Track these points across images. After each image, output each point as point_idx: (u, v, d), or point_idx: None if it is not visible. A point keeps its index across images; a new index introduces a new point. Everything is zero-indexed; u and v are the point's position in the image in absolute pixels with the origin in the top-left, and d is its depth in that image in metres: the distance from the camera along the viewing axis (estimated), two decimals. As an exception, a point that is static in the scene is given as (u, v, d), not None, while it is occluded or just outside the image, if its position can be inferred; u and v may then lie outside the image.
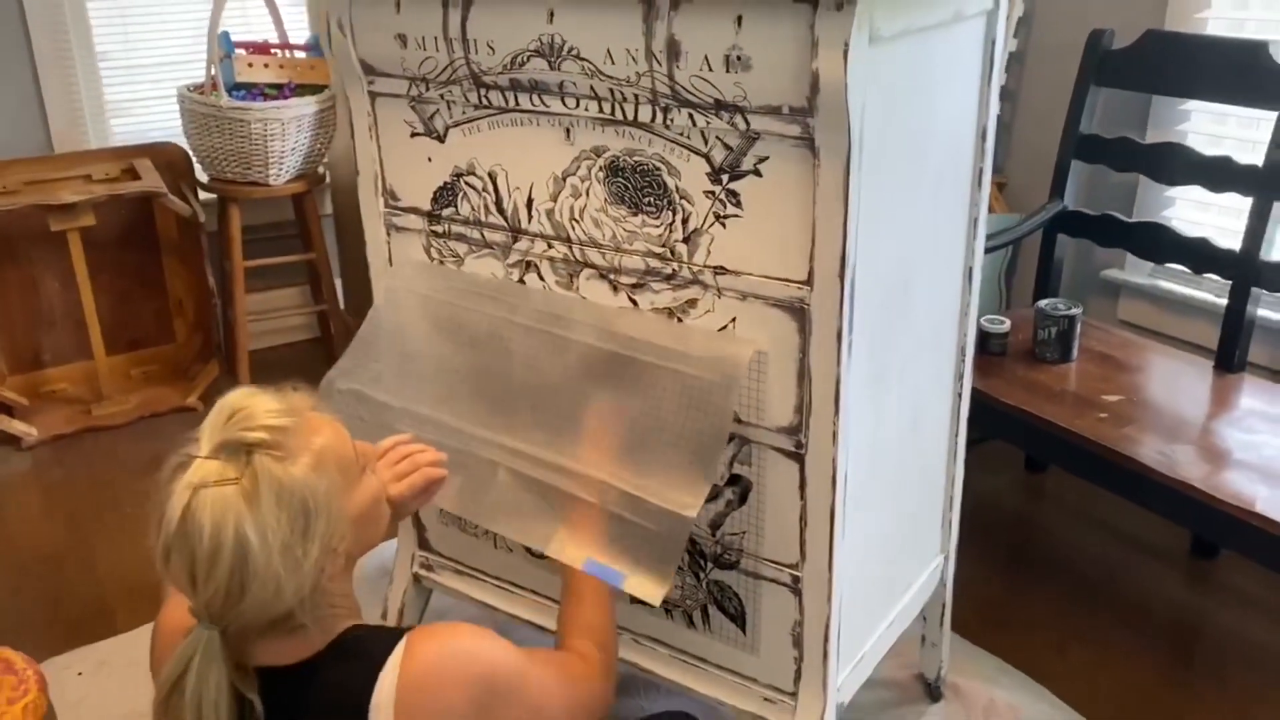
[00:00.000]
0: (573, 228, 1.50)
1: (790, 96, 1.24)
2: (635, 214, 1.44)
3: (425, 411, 1.63)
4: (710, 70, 1.28)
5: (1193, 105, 2.35)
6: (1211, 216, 2.39)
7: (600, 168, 1.44)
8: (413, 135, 1.63)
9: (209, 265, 3.13)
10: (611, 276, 1.49)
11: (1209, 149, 2.21)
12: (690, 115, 1.33)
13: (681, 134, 1.36)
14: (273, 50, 2.95)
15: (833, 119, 1.22)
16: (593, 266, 1.50)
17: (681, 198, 1.39)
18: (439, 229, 1.65)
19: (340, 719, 1.06)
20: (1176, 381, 2.18)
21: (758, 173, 1.32)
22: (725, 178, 1.34)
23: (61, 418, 3.00)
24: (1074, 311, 2.21)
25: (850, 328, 1.32)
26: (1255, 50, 2.07)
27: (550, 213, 1.52)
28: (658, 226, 1.42)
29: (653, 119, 1.37)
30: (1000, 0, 1.53)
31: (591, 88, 1.39)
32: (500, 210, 1.57)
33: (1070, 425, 1.99)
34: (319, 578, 1.05)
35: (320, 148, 2.99)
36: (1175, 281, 2.45)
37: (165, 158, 3.01)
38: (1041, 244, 2.46)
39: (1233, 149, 2.23)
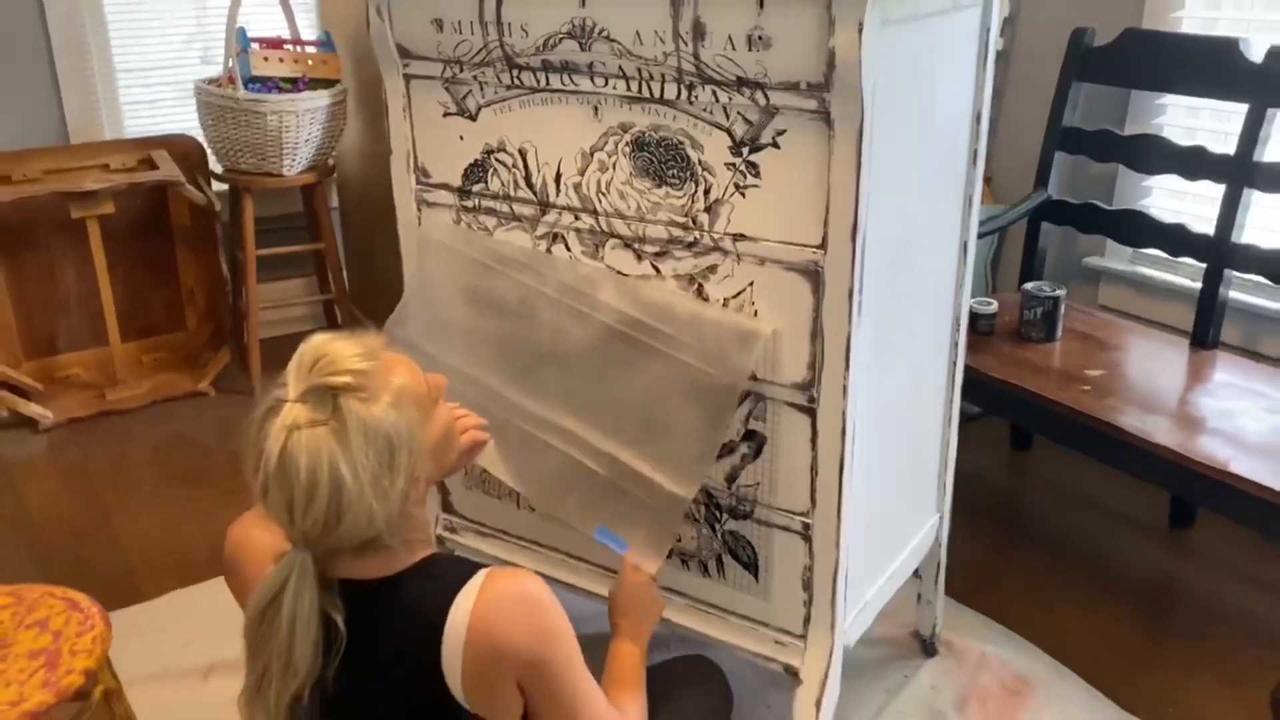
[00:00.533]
0: (599, 200, 1.61)
1: (808, 73, 1.36)
2: (659, 186, 1.55)
3: (464, 369, 1.74)
4: (733, 49, 1.40)
5: (1169, 99, 2.49)
6: (1186, 204, 2.52)
7: (626, 143, 1.56)
8: (445, 115, 1.74)
9: (223, 254, 3.22)
10: (636, 246, 1.60)
11: (1184, 140, 2.35)
12: (714, 92, 1.45)
13: (705, 110, 1.47)
14: (286, 46, 3.04)
15: (847, 93, 1.34)
16: (618, 236, 1.61)
17: (704, 170, 1.50)
18: (469, 204, 1.76)
19: (415, 634, 1.15)
20: (1154, 358, 2.31)
21: (776, 145, 1.43)
22: (746, 150, 1.46)
23: (76, 402, 3.08)
24: (1058, 293, 2.34)
25: (860, 288, 1.43)
26: (1228, 47, 2.20)
27: (578, 186, 1.63)
28: (681, 197, 1.53)
29: (678, 96, 1.48)
30: (995, -10, 1.65)
31: (620, 67, 1.51)
32: (529, 185, 1.68)
33: (1056, 397, 2.11)
34: (404, 504, 1.14)
35: (331, 140, 3.09)
36: (1153, 267, 2.58)
37: (181, 149, 3.10)
38: (1026, 232, 2.59)
39: (1206, 140, 2.37)
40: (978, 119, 1.72)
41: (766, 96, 1.41)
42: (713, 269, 1.54)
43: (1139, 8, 2.49)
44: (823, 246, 1.43)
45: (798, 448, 1.55)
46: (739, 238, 1.50)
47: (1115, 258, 2.66)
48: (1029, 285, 2.39)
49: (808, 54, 1.34)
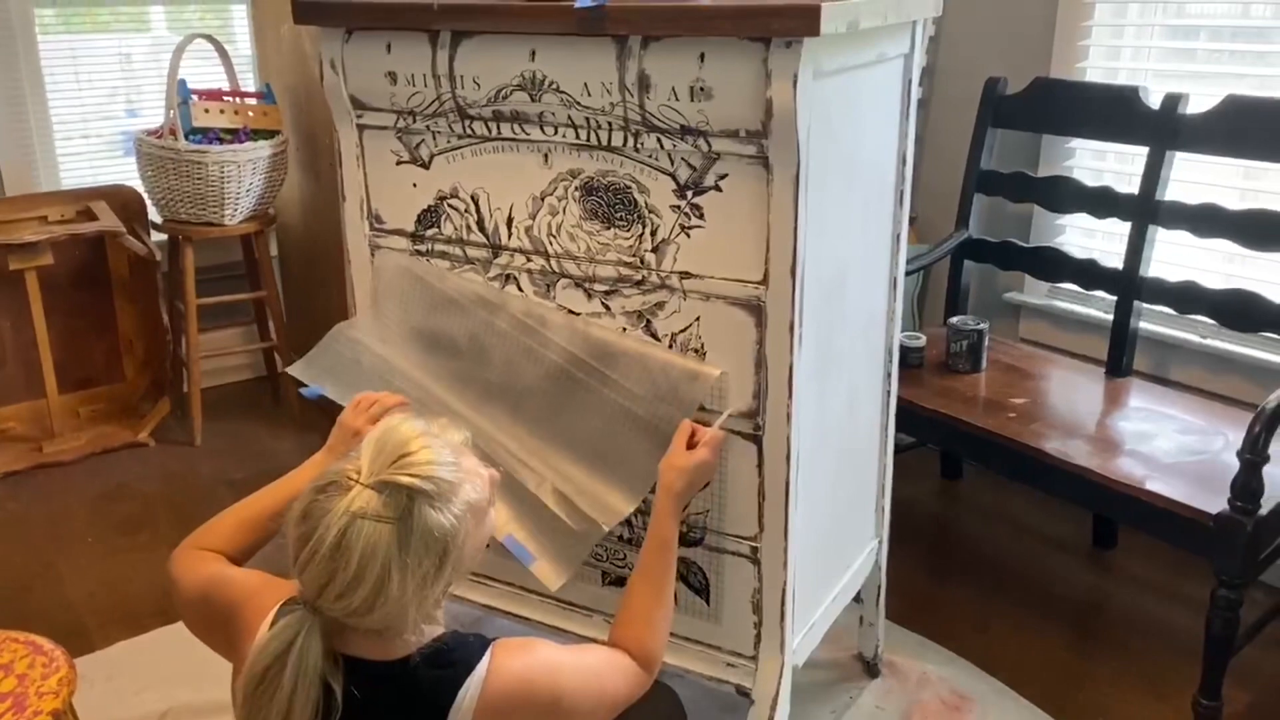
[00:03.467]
0: (550, 242, 1.69)
1: (747, 121, 1.45)
2: (608, 228, 1.63)
3: (411, 372, 1.80)
4: (677, 100, 1.49)
5: (1077, 143, 2.65)
6: (1097, 241, 2.68)
7: (576, 187, 1.64)
8: (399, 163, 1.80)
9: (163, 304, 3.22)
10: (586, 285, 1.67)
11: (1092, 181, 2.50)
12: (659, 139, 1.53)
13: (650, 156, 1.56)
14: (226, 97, 3.08)
15: (784, 139, 1.43)
16: (569, 276, 1.68)
17: (650, 212, 1.58)
18: (423, 248, 1.82)
19: (420, 717, 1.17)
20: (1073, 386, 2.45)
21: (718, 188, 1.52)
22: (690, 193, 1.55)
23: (12, 455, 3.04)
24: (982, 326, 2.46)
25: (800, 321, 1.52)
26: (1129, 95, 2.37)
27: (529, 229, 1.70)
28: (628, 238, 1.61)
29: (625, 143, 1.57)
30: (915, 45, 1.78)
31: (569, 117, 1.59)
32: (482, 229, 1.75)
33: (985, 425, 2.22)
34: (437, 603, 1.19)
35: (272, 190, 3.13)
36: (1068, 300, 2.73)
37: (119, 199, 3.11)
38: (950, 269, 2.73)
39: (1112, 180, 2.52)
40: (903, 161, 1.84)
41: (709, 143, 1.50)
42: (660, 305, 1.62)
43: (1047, 58, 2.65)
44: (764, 282, 1.52)
45: (745, 474, 1.63)
46: (685, 275, 1.58)
47: (1033, 292, 2.81)
48: (954, 320, 2.51)
49: (746, 104, 1.44)
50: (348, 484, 1.15)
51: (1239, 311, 2.23)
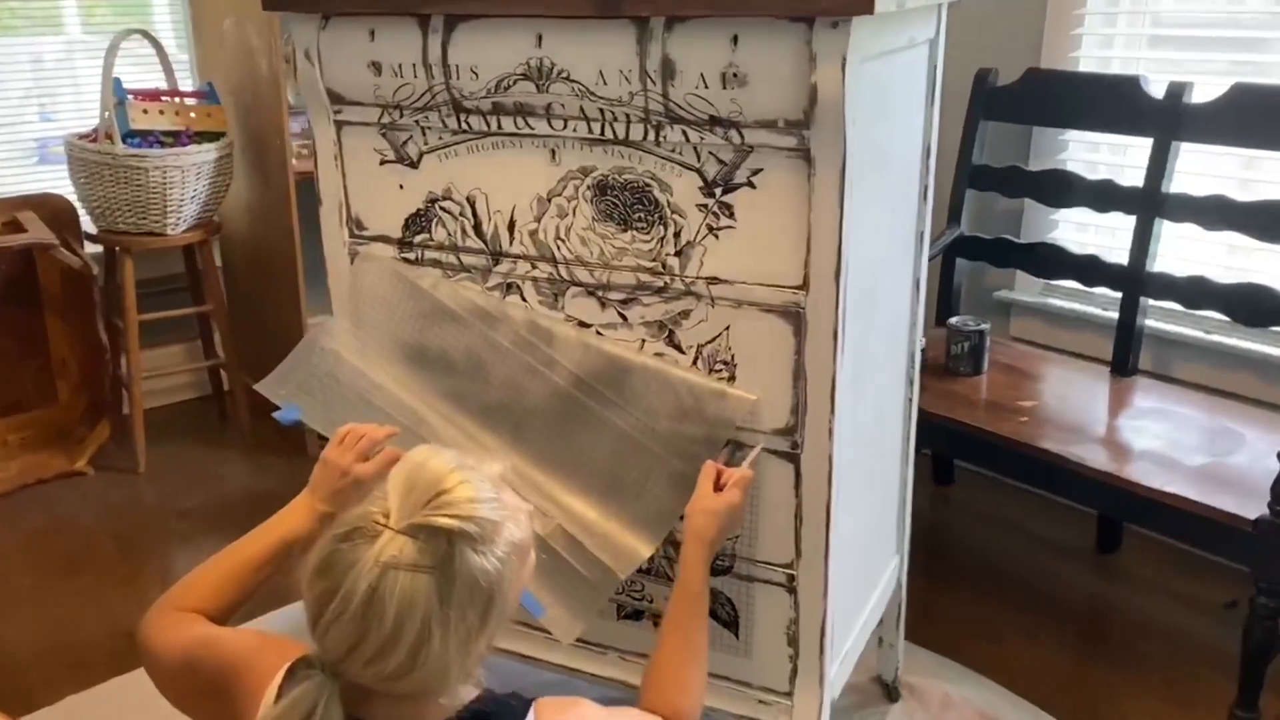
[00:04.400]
0: (558, 247, 1.53)
1: (787, 110, 1.32)
2: (624, 230, 1.48)
3: (403, 394, 1.64)
4: (706, 88, 1.35)
5: (1070, 135, 2.57)
6: (1090, 235, 2.60)
7: (588, 186, 1.49)
8: (383, 163, 1.64)
9: (100, 320, 2.98)
10: (600, 293, 1.52)
11: (1086, 174, 2.42)
12: (684, 132, 1.39)
13: (674, 150, 1.42)
14: (164, 97, 2.87)
15: (830, 130, 1.30)
16: (580, 284, 1.53)
17: (673, 212, 1.44)
18: (411, 255, 1.66)
19: None
20: (1080, 387, 2.36)
21: (751, 184, 1.39)
22: (719, 191, 1.41)
23: (-65, 489, 2.79)
24: (983, 327, 2.36)
25: (843, 328, 1.40)
26: (1130, 84, 2.29)
27: (534, 233, 1.55)
28: (648, 241, 1.47)
29: (645, 137, 1.42)
30: (940, 30, 1.66)
31: (581, 109, 1.44)
32: (479, 233, 1.59)
33: (998, 430, 2.12)
34: (479, 660, 1.04)
35: (217, 196, 2.92)
36: (1063, 298, 2.65)
37: (49, 209, 2.87)
38: (942, 268, 2.63)
39: (1107, 173, 2.45)
40: (928, 154, 1.72)
41: (741, 135, 1.36)
42: (685, 314, 1.48)
43: (1037, 49, 2.57)
44: (804, 287, 1.39)
45: (780, 496, 1.50)
46: (713, 281, 1.44)
47: (1025, 290, 2.72)
48: (954, 320, 2.41)
49: (786, 91, 1.31)
50: (375, 530, 0.99)
51: (1251, 306, 2.16)
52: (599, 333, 1.53)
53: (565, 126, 1.47)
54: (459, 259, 1.62)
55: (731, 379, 1.47)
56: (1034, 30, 2.57)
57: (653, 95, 1.38)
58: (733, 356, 1.46)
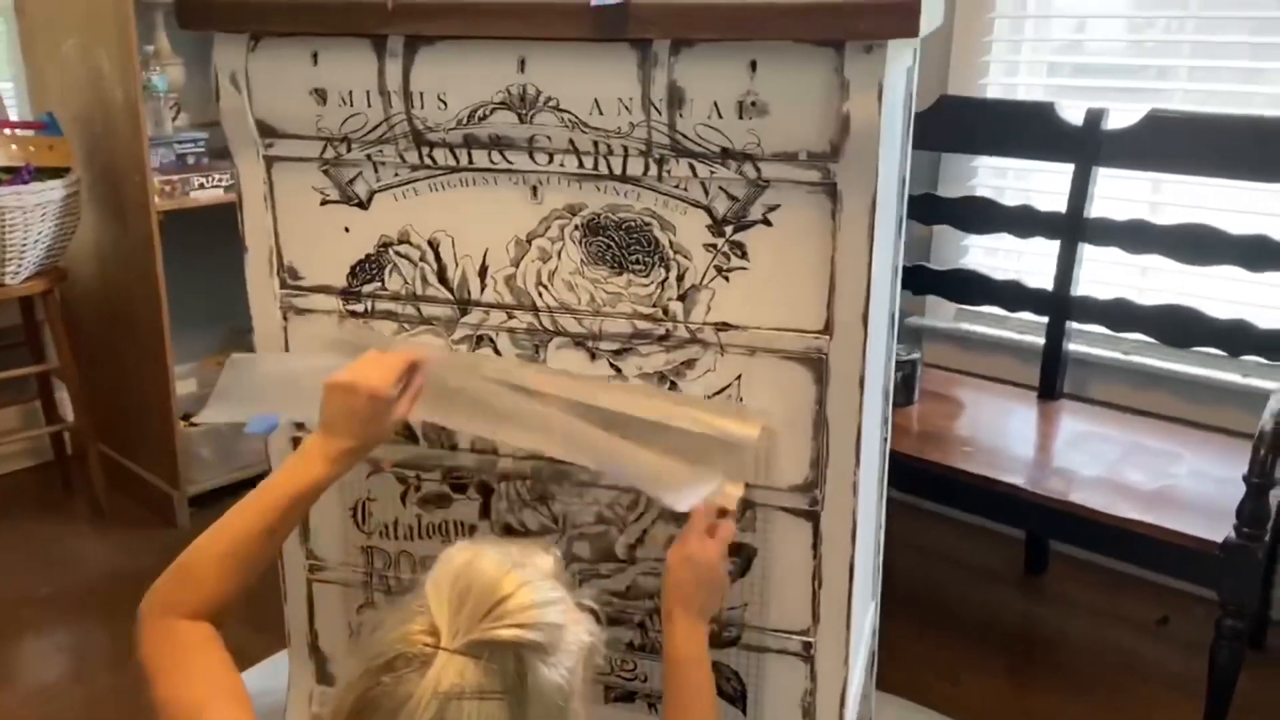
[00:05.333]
0: (540, 294, 1.38)
1: (811, 142, 1.21)
2: (619, 274, 1.34)
3: None
4: (720, 118, 1.23)
5: (979, 161, 2.58)
6: (999, 260, 2.62)
7: (576, 227, 1.34)
8: (324, 203, 1.44)
9: (-77, 385, 2.59)
10: (590, 343, 1.37)
11: (999, 199, 2.43)
12: (690, 165, 1.27)
13: (678, 186, 1.29)
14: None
15: (861, 162, 1.21)
16: (565, 334, 1.38)
17: (676, 253, 1.31)
18: (359, 307, 1.46)
19: None
20: (1013, 414, 2.35)
21: (767, 222, 1.27)
22: (729, 229, 1.29)
23: None
24: (915, 356, 2.33)
25: (867, 374, 1.30)
26: (1046, 111, 2.30)
27: (510, 279, 1.38)
28: (647, 285, 1.33)
29: (645, 171, 1.29)
30: (917, 57, 1.60)
31: (570, 141, 1.29)
32: (444, 281, 1.41)
33: (950, 463, 2.07)
34: None
35: (63, 240, 2.58)
36: (978, 323, 2.65)
37: None
38: (859, 297, 2.58)
39: (1013, 198, 2.46)
40: (903, 184, 1.66)
41: (758, 169, 1.24)
42: (689, 364, 1.35)
43: (944, 76, 2.57)
44: (826, 331, 1.28)
45: (796, 558, 1.38)
46: (722, 327, 1.32)
47: (937, 316, 2.72)
48: (884, 350, 2.36)
49: (812, 121, 1.20)
50: (425, 653, 0.83)
51: (1176, 327, 2.20)
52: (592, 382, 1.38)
53: (551, 161, 1.31)
54: (418, 309, 1.43)
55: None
56: (941, 58, 2.57)
57: (657, 126, 1.25)
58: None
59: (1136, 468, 2.07)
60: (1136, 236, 2.23)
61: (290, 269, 1.48)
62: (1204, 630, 2.30)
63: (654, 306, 1.34)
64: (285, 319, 1.50)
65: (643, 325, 1.34)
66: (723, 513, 1.29)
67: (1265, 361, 2.14)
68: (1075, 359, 2.45)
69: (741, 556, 1.40)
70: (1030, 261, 2.51)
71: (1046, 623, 2.42)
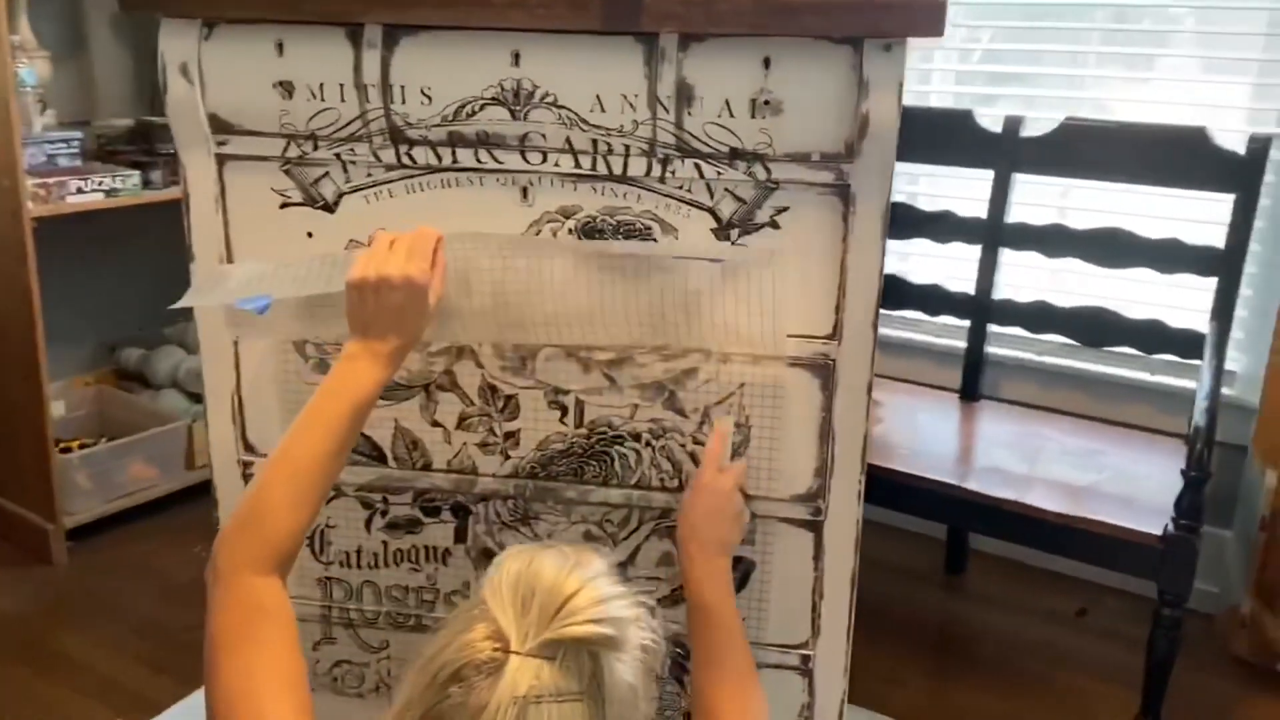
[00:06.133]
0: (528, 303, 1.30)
1: (825, 143, 1.18)
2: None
3: None
4: (731, 116, 1.18)
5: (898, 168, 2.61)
6: (911, 265, 2.66)
7: (570, 230, 1.27)
8: (284, 206, 1.32)
9: None
10: (582, 354, 1.30)
11: (908, 204, 2.48)
12: (696, 166, 1.22)
13: (682, 187, 1.23)
14: None
15: (877, 163, 1.18)
16: (556, 345, 1.30)
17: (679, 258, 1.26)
18: (323, 320, 1.35)
19: None
20: (940, 415, 2.38)
21: (775, 225, 1.23)
22: (735, 233, 1.24)
23: None
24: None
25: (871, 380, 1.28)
26: (964, 119, 2.35)
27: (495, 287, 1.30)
28: (646, 291, 1.27)
29: (647, 172, 1.23)
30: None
31: (568, 140, 1.22)
32: (420, 290, 1.32)
33: (891, 465, 2.08)
34: None
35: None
36: (893, 328, 2.69)
37: None
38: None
39: (927, 204, 2.50)
40: (870, 190, 1.65)
41: (768, 170, 1.21)
42: (690, 373, 1.29)
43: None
44: (834, 336, 1.25)
45: (796, 570, 1.35)
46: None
47: (851, 321, 2.74)
48: (813, 356, 2.37)
49: (828, 121, 1.17)
50: (495, 659, 0.79)
51: (1093, 328, 2.28)
52: (577, 399, 1.31)
53: (544, 160, 1.24)
54: (391, 321, 1.33)
55: (745, 443, 1.30)
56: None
57: (663, 124, 1.19)
58: (747, 418, 1.30)
59: (1063, 465, 2.13)
60: (1055, 241, 2.29)
61: (243, 278, 1.35)
62: (1119, 620, 2.42)
63: (653, 313, 1.28)
64: (237, 338, 1.37)
65: (640, 333, 1.28)
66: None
67: (1178, 360, 2.24)
68: (990, 361, 2.51)
69: (739, 570, 1.35)
70: (946, 266, 2.56)
71: (973, 622, 2.47)
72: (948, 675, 2.23)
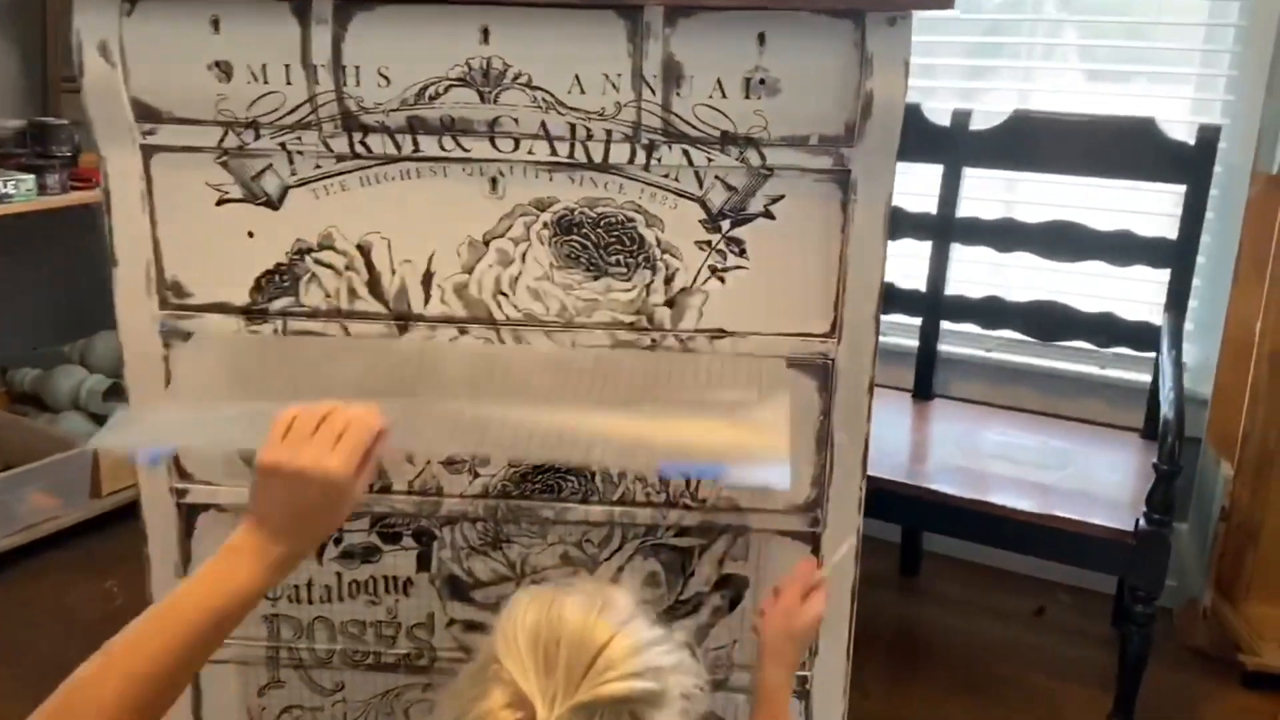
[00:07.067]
0: (499, 304, 1.18)
1: (825, 124, 1.10)
2: (597, 278, 1.17)
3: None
4: (723, 97, 1.09)
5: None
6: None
7: (545, 224, 1.16)
8: (221, 202, 1.18)
9: None
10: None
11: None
12: (685, 152, 1.12)
13: (668, 175, 1.14)
14: None
15: (882, 146, 1.11)
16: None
17: (665, 252, 1.16)
18: (267, 329, 1.21)
19: None
20: (896, 414, 2.33)
21: (769, 215, 1.14)
22: (726, 224, 1.15)
23: None
24: (796, 362, 2.26)
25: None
26: (913, 112, 2.30)
27: (462, 288, 1.18)
28: (629, 290, 1.17)
29: (630, 159, 1.13)
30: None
31: (542, 124, 1.11)
32: (376, 293, 1.19)
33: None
34: None
35: None
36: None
37: None
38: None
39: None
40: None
41: (762, 155, 1.11)
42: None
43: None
44: (833, 334, 1.17)
45: (791, 585, 1.25)
46: (717, 334, 1.18)
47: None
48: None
49: (828, 101, 1.09)
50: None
51: (1046, 322, 2.25)
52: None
53: (516, 148, 1.13)
54: (345, 328, 1.20)
55: (738, 451, 1.20)
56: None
57: (648, 106, 1.09)
58: (740, 425, 1.20)
59: (1023, 462, 2.09)
60: (1006, 235, 2.26)
61: (175, 285, 1.21)
62: (1078, 617, 2.39)
63: (637, 314, 1.18)
64: (167, 347, 1.22)
65: (625, 336, 1.18)
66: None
67: (1132, 352, 2.22)
68: (940, 359, 2.47)
69: (729, 590, 1.26)
70: (896, 263, 2.50)
71: (934, 623, 2.42)
72: (912, 681, 2.17)
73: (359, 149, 1.14)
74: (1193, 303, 2.27)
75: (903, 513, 2.09)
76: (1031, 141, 2.22)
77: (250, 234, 1.19)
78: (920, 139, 2.29)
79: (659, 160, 1.12)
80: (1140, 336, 2.17)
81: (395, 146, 1.14)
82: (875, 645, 2.27)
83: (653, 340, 1.18)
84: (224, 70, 1.11)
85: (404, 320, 1.19)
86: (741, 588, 1.26)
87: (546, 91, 1.09)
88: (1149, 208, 2.21)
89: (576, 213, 1.15)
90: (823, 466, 1.21)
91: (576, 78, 1.09)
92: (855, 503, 1.22)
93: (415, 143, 1.13)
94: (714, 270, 1.16)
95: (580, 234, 1.16)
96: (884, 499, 2.00)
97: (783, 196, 1.13)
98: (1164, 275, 2.12)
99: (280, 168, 1.16)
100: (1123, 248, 2.17)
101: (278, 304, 1.20)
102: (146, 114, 1.14)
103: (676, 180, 1.14)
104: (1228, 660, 2.20)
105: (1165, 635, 2.29)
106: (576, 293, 1.17)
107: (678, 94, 1.09)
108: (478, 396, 1.11)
